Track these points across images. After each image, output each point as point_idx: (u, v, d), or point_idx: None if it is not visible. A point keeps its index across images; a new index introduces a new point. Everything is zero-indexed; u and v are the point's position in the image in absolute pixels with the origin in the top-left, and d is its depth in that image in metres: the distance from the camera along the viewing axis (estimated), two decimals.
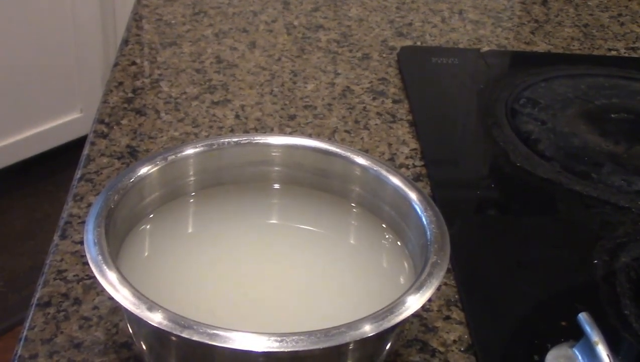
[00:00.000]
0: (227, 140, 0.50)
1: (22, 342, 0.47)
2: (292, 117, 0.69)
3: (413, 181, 0.48)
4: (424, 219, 0.45)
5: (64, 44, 1.84)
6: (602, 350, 0.42)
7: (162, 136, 0.65)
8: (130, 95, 0.71)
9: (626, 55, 0.85)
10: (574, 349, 0.44)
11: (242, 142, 0.51)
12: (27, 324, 0.48)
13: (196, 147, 0.50)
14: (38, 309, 0.49)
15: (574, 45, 0.86)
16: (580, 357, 0.44)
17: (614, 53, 0.85)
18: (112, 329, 0.47)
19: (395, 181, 0.48)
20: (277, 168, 0.51)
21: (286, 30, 0.84)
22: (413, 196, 0.47)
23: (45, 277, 0.51)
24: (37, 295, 0.50)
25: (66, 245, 0.54)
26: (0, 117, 1.81)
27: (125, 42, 0.80)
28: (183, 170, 0.50)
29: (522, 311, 0.51)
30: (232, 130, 0.67)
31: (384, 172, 0.49)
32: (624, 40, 0.88)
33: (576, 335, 0.44)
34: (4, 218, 1.84)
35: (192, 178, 0.50)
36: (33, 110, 1.86)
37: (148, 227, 0.48)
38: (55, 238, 0.54)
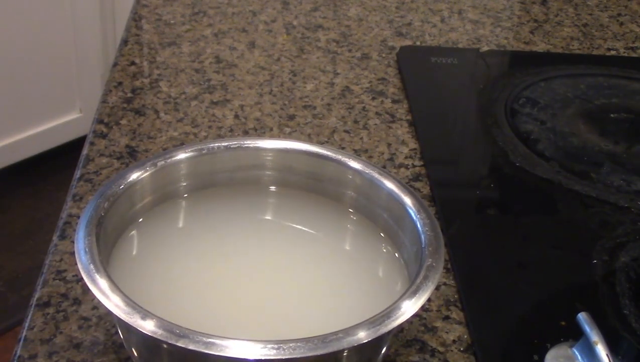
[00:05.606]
0: (217, 144, 0.50)
1: (21, 343, 0.47)
2: (291, 117, 0.69)
3: (406, 184, 0.48)
4: (417, 223, 0.45)
5: (63, 44, 1.84)
6: (601, 350, 0.42)
7: (161, 136, 0.65)
8: (129, 95, 0.71)
9: (625, 55, 0.85)
10: (573, 349, 0.44)
11: (232, 146, 0.50)
12: (26, 324, 0.48)
13: (186, 152, 0.49)
14: (37, 309, 0.49)
15: (573, 45, 0.86)
16: (579, 357, 0.44)
17: (613, 53, 0.85)
18: (111, 329, 0.47)
19: (389, 184, 0.48)
20: (268, 172, 0.51)
21: (285, 30, 0.84)
22: (407, 199, 0.47)
23: (44, 277, 0.51)
24: (37, 295, 0.50)
25: (65, 245, 0.54)
26: (0, 117, 1.81)
27: (125, 42, 0.80)
28: (173, 176, 0.49)
29: (521, 310, 0.51)
30: (231, 130, 0.67)
31: (377, 176, 0.48)
32: (624, 40, 0.88)
33: (576, 335, 0.44)
34: (4, 218, 1.84)
35: (182, 184, 0.50)
36: (33, 110, 1.86)
37: (139, 230, 0.48)
38: (55, 238, 0.54)
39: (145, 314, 0.38)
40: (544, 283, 0.53)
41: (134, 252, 0.47)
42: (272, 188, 0.51)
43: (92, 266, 0.40)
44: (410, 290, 0.40)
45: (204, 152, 0.49)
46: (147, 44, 0.80)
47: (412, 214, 0.46)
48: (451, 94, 0.77)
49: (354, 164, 0.49)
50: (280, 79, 0.75)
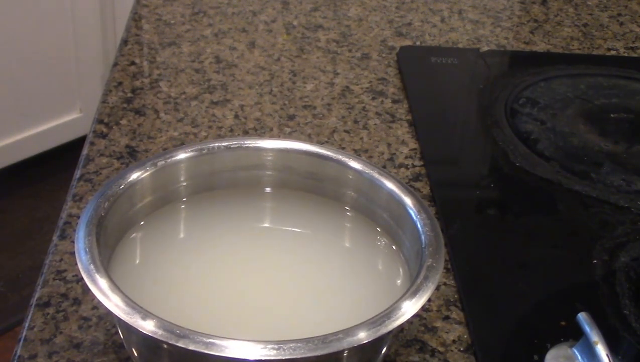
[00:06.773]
0: (217, 144, 0.50)
1: (21, 343, 0.47)
2: (291, 117, 0.69)
3: (406, 184, 0.48)
4: (418, 223, 0.45)
5: (63, 44, 1.84)
6: (601, 350, 0.42)
7: (161, 136, 0.65)
8: (129, 95, 0.71)
9: (625, 55, 0.85)
10: (573, 349, 0.44)
11: (232, 146, 0.50)
12: (26, 324, 0.48)
13: (186, 152, 0.49)
14: (37, 309, 0.49)
15: (573, 45, 0.86)
16: (579, 357, 0.44)
17: (613, 53, 0.85)
18: (111, 329, 0.47)
19: (389, 184, 0.48)
20: (269, 172, 0.51)
21: (285, 30, 0.84)
22: (407, 199, 0.47)
23: (44, 277, 0.51)
24: (37, 295, 0.50)
25: (65, 245, 0.54)
26: (0, 117, 1.81)
27: (125, 42, 0.80)
28: (174, 176, 0.49)
29: (521, 310, 0.51)
30: (231, 130, 0.67)
31: (377, 176, 0.48)
32: (624, 40, 0.88)
33: (576, 335, 0.44)
34: (4, 218, 1.84)
35: (183, 183, 0.49)
36: (32, 110, 1.86)
37: (139, 234, 0.47)
38: (55, 238, 0.54)
39: (146, 314, 0.38)
40: (543, 283, 0.53)
41: (135, 259, 0.46)
42: (272, 189, 0.51)
43: (92, 266, 0.40)
44: (411, 290, 0.40)
45: (204, 152, 0.49)
46: (147, 44, 0.80)
47: (412, 214, 0.46)
48: (451, 94, 0.77)
49: (354, 164, 0.49)
50: (280, 79, 0.75)
